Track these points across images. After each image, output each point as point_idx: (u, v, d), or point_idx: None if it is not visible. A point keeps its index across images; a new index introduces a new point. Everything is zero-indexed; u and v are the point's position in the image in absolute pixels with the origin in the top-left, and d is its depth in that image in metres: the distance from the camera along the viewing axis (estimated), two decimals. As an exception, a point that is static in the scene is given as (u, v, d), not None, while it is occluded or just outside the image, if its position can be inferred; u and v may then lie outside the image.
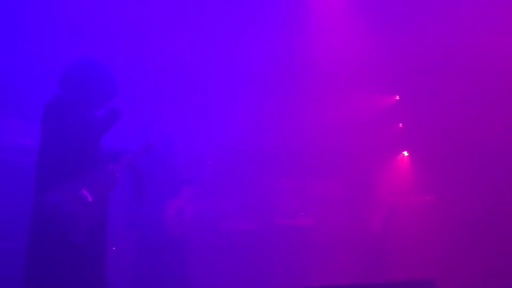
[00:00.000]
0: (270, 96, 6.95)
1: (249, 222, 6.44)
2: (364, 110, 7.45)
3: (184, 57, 6.17)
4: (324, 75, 7.03)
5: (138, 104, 5.20)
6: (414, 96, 7.24)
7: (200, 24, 6.28)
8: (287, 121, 7.17)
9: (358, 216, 6.68)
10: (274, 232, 6.52)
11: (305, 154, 7.19)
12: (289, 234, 6.58)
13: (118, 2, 5.55)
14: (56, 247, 3.12)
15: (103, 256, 3.41)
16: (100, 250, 3.39)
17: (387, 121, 7.66)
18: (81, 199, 3.16)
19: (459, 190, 6.43)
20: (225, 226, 6.13)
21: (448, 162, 6.60)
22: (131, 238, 5.11)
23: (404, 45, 6.75)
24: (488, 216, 6.02)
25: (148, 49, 5.81)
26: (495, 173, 6.07)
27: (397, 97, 7.77)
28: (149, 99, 5.47)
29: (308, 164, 7.21)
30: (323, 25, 6.96)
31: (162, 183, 4.95)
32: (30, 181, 3.28)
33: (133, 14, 5.74)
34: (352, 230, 6.53)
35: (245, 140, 6.69)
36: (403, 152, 7.76)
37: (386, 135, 7.60)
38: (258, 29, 6.47)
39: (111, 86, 3.52)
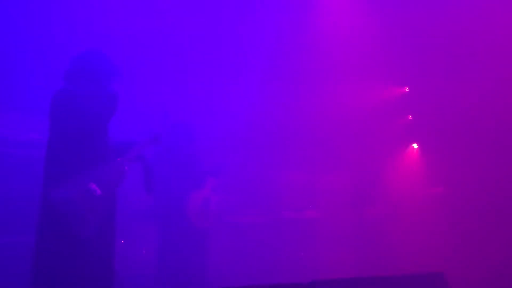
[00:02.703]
0: (278, 90, 6.91)
1: (257, 215, 6.43)
2: (373, 102, 7.40)
3: (192, 53, 6.15)
4: (333, 67, 6.98)
5: (145, 97, 5.20)
6: (423, 87, 7.18)
7: (213, 17, 6.25)
8: (295, 115, 7.14)
9: (366, 209, 6.65)
10: (282, 225, 6.51)
11: (313, 147, 7.16)
12: (297, 227, 6.56)
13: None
14: (65, 241, 3.12)
15: (112, 250, 3.40)
16: (109, 244, 3.38)
17: (396, 113, 7.61)
18: (89, 193, 3.15)
19: (469, 183, 6.38)
20: (232, 220, 6.13)
21: (458, 154, 6.54)
22: (152, 230, 5.14)
23: (414, 36, 6.68)
24: (499, 209, 5.97)
25: (158, 40, 5.79)
26: (506, 166, 6.01)
27: (407, 89, 7.71)
28: (156, 92, 5.46)
29: (316, 157, 7.18)
30: (333, 16, 6.91)
31: (175, 177, 4.96)
32: (38, 175, 3.28)
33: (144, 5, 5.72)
34: (360, 223, 6.51)
35: (253, 134, 6.67)
36: (413, 145, 7.72)
37: (395, 127, 7.55)
38: (267, 22, 6.44)
39: (117, 77, 3.51)
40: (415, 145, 7.71)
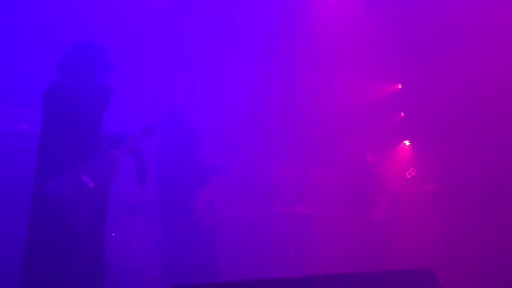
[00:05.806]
0: (270, 86, 6.91)
1: (248, 210, 6.43)
2: (366, 99, 7.43)
3: (187, 47, 6.13)
4: (326, 64, 6.99)
5: (139, 90, 5.18)
6: (416, 85, 7.22)
7: (210, 12, 6.24)
8: (287, 110, 7.14)
9: (358, 205, 6.67)
10: (273, 220, 6.52)
11: (306, 143, 7.17)
12: (288, 223, 6.58)
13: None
14: (57, 234, 3.10)
15: (103, 243, 3.39)
16: (100, 237, 3.37)
17: (389, 110, 7.64)
18: (82, 186, 3.14)
19: (460, 180, 6.44)
20: (224, 214, 6.12)
21: (449, 151, 6.59)
22: (145, 224, 5.14)
23: (407, 34, 6.70)
24: (491, 206, 6.03)
25: (155, 33, 5.76)
26: (497, 163, 6.06)
27: (399, 86, 7.74)
28: (152, 85, 5.45)
29: (308, 153, 7.20)
30: (324, 14, 6.90)
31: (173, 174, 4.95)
32: (31, 167, 3.25)
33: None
34: (352, 219, 6.53)
35: (245, 129, 6.66)
36: (405, 141, 7.75)
37: (388, 124, 7.58)
38: (261, 19, 6.43)
39: (111, 70, 3.49)
40: (406, 142, 7.75)
